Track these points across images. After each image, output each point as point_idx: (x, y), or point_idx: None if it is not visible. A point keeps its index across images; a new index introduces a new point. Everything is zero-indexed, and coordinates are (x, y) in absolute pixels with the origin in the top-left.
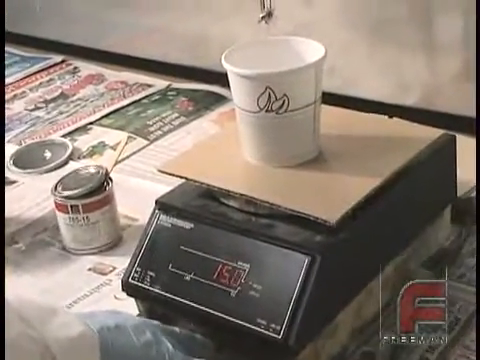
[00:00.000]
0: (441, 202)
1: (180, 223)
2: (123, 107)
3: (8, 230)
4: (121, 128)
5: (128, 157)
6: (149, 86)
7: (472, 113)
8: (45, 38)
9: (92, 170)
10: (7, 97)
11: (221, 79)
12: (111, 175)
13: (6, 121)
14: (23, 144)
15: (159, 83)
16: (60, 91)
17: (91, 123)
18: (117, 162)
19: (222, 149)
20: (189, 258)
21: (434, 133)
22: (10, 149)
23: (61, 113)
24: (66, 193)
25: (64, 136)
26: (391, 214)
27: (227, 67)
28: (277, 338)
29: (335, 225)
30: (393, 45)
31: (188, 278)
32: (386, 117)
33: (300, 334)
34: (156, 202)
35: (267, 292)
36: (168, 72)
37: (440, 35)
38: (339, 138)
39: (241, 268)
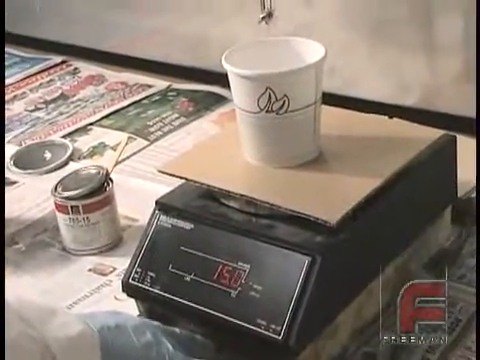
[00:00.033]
0: (441, 202)
1: (180, 224)
2: (123, 108)
3: (8, 231)
4: (121, 129)
5: (128, 158)
6: (149, 87)
7: (472, 113)
8: (45, 39)
9: (92, 171)
10: (7, 98)
11: (221, 80)
12: (111, 176)
13: (6, 122)
14: (23, 145)
15: (159, 84)
16: (60, 92)
17: (91, 124)
18: (117, 163)
19: (222, 150)
20: (189, 259)
21: (434, 133)
22: (10, 150)
23: (61, 114)
24: (66, 194)
25: (64, 137)
26: (391, 215)
27: (227, 68)
28: (277, 339)
29: (335, 226)
30: (393, 45)
31: (188, 279)
32: (386, 117)
33: (300, 335)
34: (156, 203)
35: (267, 293)
36: (168, 73)
37: (440, 36)
38: (339, 139)
39: (241, 269)
